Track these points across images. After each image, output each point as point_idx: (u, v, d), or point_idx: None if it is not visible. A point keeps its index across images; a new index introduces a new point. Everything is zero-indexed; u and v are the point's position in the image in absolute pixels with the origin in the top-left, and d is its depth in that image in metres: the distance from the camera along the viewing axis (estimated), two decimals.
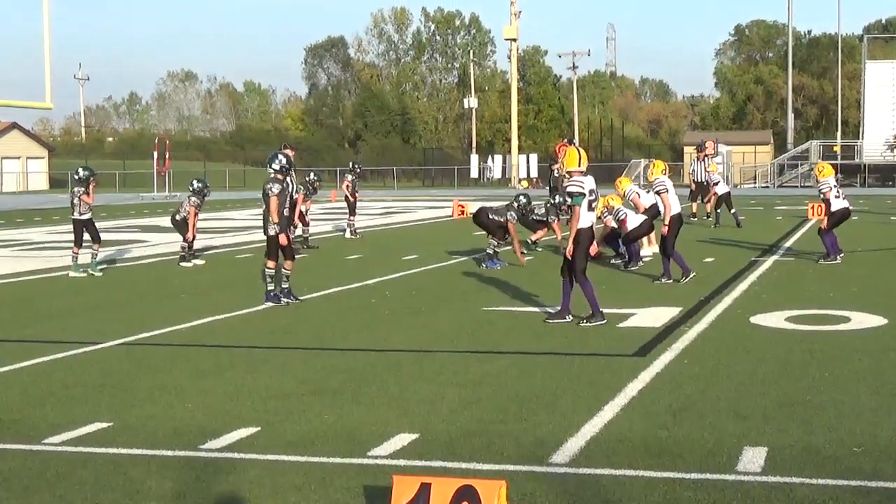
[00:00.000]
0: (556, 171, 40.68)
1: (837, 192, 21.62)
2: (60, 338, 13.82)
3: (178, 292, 18.50)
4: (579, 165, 14.21)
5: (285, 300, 16.64)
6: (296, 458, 8.11)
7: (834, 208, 21.43)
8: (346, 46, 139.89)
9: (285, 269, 16.72)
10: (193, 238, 23.16)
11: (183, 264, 22.75)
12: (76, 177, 22.08)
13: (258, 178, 67.19)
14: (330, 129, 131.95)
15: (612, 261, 21.36)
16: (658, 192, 18.89)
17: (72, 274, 21.06)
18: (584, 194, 13.99)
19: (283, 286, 16.77)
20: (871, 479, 7.41)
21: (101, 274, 21.13)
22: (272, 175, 16.36)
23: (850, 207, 21.93)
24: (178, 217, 23.16)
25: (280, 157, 16.75)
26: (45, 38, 38.05)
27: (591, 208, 14.24)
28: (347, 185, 30.60)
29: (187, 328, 14.57)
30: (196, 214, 23.02)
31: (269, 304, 16.46)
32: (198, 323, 14.98)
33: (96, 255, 21.60)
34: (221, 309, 16.16)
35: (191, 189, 23.33)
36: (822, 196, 21.71)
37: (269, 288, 16.62)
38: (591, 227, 14.23)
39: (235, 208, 48.08)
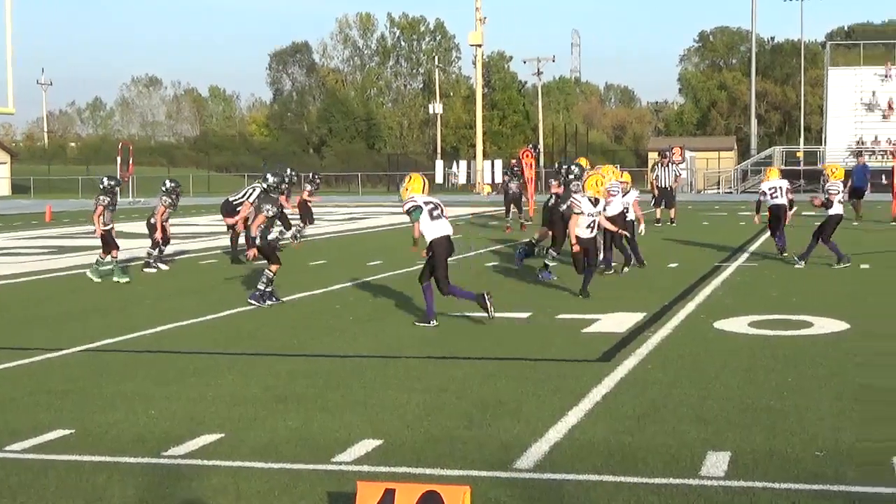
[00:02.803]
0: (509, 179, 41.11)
1: (842, 196, 21.80)
2: (24, 344, 13.73)
3: (141, 298, 18.42)
4: (422, 192, 15.27)
5: (269, 302, 17.05)
6: (260, 464, 8.09)
7: (832, 212, 21.58)
8: (310, 52, 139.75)
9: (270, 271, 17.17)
10: (162, 237, 23.17)
11: (147, 270, 22.65)
12: (165, 187, 23.35)
13: (222, 184, 67.13)
14: (294, 135, 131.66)
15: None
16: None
17: (96, 279, 21.05)
18: (420, 208, 14.81)
19: (268, 288, 17.17)
20: (834, 483, 7.45)
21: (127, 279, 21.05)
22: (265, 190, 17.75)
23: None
24: (152, 220, 23.10)
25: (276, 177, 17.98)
26: (6, 43, 37.83)
27: (433, 217, 14.96)
28: (308, 193, 30.72)
29: (151, 334, 14.50)
30: (164, 213, 22.96)
31: (253, 302, 16.93)
32: (162, 329, 14.92)
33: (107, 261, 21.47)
34: (185, 315, 16.10)
35: (163, 189, 23.34)
36: (826, 195, 21.84)
37: (260, 287, 17.09)
38: (448, 236, 15.13)
39: (200, 214, 47.89)
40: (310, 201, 30.90)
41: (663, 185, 35.99)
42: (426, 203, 14.97)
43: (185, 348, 13.42)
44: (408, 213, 15.07)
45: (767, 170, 25.00)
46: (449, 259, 15.07)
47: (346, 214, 48.10)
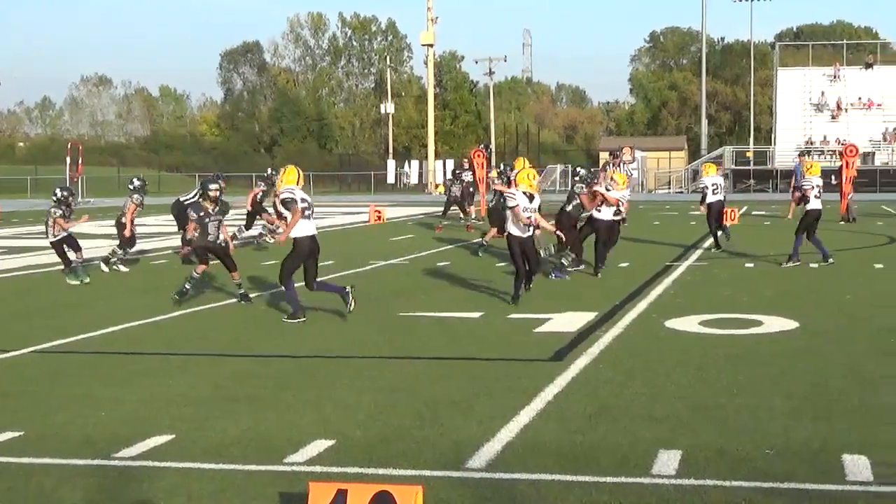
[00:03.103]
0: (464, 176, 41.22)
1: (818, 192, 22.13)
2: None
3: (92, 299, 18.29)
4: (297, 183, 15.46)
5: (239, 300, 17.37)
6: (211, 465, 8.05)
7: (809, 207, 21.93)
8: (261, 51, 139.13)
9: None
10: (131, 236, 23.24)
11: (114, 268, 22.55)
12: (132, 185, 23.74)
13: (173, 184, 66.79)
14: (246, 135, 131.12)
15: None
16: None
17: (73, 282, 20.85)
18: (296, 200, 14.95)
19: (188, 285, 17.28)
20: (784, 480, 7.49)
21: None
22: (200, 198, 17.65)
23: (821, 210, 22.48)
24: (123, 220, 23.07)
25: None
26: None
27: (304, 215, 15.05)
28: (257, 195, 30.57)
29: (101, 335, 14.41)
30: (135, 211, 23.01)
31: (176, 297, 17.10)
32: (112, 330, 14.82)
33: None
34: (136, 315, 16.00)
35: (131, 187, 23.55)
36: (802, 191, 22.31)
37: (186, 287, 17.22)
38: (313, 237, 15.16)
39: (150, 214, 47.58)
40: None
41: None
42: (302, 200, 15.14)
43: (135, 349, 13.32)
44: (283, 202, 15.15)
45: (705, 166, 25.74)
46: (310, 260, 15.24)
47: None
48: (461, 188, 35.20)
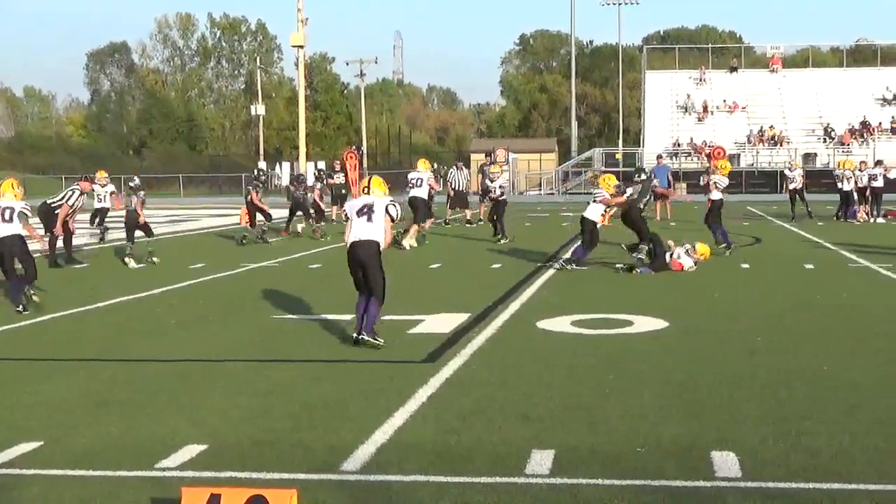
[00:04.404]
0: (337, 178, 41.39)
1: (721, 185, 24.76)
2: None
3: None
4: (363, 192, 14.20)
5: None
6: (81, 472, 7.93)
7: (713, 198, 24.78)
8: (129, 52, 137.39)
9: None
10: (144, 224, 24.46)
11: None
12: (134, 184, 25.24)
13: (40, 186, 65.48)
14: (114, 136, 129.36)
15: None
16: None
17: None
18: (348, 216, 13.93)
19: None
20: (655, 478, 7.60)
21: None
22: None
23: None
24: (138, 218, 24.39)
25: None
26: None
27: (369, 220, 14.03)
28: (254, 196, 30.71)
29: None
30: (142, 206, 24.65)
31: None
32: None
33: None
34: (0, 321, 15.70)
35: (132, 185, 24.99)
36: (707, 182, 25.18)
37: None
38: (354, 242, 13.78)
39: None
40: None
41: (459, 188, 37.51)
42: None
43: (1, 355, 13.07)
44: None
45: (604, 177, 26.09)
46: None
47: (168, 216, 47.39)
48: (303, 190, 34.42)
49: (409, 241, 27.44)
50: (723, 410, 9.59)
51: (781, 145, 75.91)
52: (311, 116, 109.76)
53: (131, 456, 8.31)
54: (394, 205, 13.55)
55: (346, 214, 13.89)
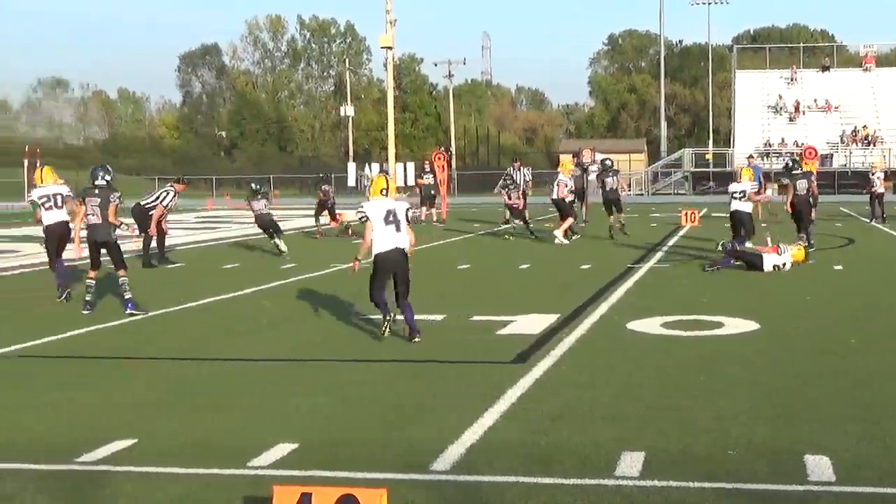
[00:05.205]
0: (426, 178, 41.51)
1: (740, 196, 23.03)
2: None
3: (50, 303, 18.11)
4: (381, 194, 13.91)
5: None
6: (174, 469, 8.00)
7: (731, 209, 23.38)
8: (220, 54, 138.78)
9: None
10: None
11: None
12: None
13: (133, 187, 66.34)
14: (205, 138, 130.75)
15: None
16: None
17: None
18: (368, 218, 13.71)
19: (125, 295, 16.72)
20: (746, 481, 7.52)
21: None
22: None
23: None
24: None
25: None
26: None
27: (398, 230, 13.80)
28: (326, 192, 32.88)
29: (59, 339, 14.30)
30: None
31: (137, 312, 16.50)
32: (72, 334, 14.71)
33: None
34: (95, 320, 15.90)
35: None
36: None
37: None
38: (387, 251, 13.70)
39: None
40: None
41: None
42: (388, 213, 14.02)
43: (97, 353, 13.25)
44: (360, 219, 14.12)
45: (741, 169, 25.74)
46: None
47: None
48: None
49: (560, 237, 29.11)
50: (815, 413, 9.48)
51: (875, 145, 74.90)
52: (399, 117, 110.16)
53: (224, 454, 8.38)
54: (409, 209, 13.94)
55: (363, 216, 13.78)
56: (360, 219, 13.90)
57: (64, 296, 17.87)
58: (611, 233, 30.24)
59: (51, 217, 18.46)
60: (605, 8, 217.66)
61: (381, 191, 13.83)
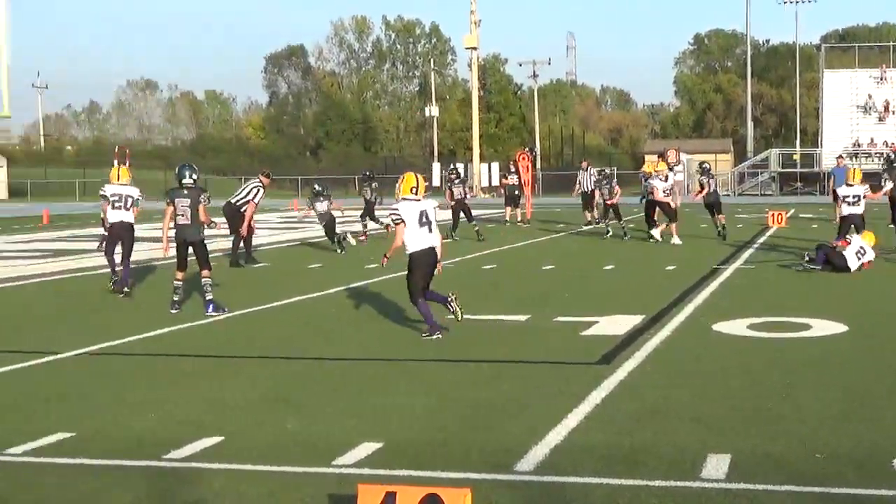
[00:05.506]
0: (511, 179, 41.54)
1: (853, 200, 22.80)
2: (19, 347, 13.70)
3: (139, 301, 18.36)
4: (412, 193, 13.94)
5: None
6: (260, 467, 8.07)
7: (843, 214, 23.16)
8: (306, 55, 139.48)
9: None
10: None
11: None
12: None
13: (220, 187, 66.93)
14: (291, 138, 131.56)
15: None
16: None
17: None
18: (402, 220, 13.72)
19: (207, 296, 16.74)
20: (834, 485, 7.43)
21: None
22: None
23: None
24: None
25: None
26: (2, 47, 37.76)
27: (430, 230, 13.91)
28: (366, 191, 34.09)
29: (148, 337, 14.47)
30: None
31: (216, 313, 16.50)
32: (158, 333, 14.88)
33: None
34: (181, 319, 16.07)
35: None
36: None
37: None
38: (424, 250, 13.86)
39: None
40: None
41: (585, 189, 38.03)
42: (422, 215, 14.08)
43: (183, 352, 13.40)
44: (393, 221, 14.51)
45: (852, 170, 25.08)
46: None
47: (342, 217, 47.92)
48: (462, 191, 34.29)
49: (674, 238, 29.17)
50: None
51: None
52: (484, 118, 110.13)
53: (309, 452, 8.43)
54: (437, 206, 14.21)
55: (397, 218, 13.80)
56: (393, 221, 13.90)
57: (116, 285, 18.70)
58: (720, 232, 29.97)
59: (116, 216, 18.83)
60: (691, 7, 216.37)
61: (412, 189, 13.85)
